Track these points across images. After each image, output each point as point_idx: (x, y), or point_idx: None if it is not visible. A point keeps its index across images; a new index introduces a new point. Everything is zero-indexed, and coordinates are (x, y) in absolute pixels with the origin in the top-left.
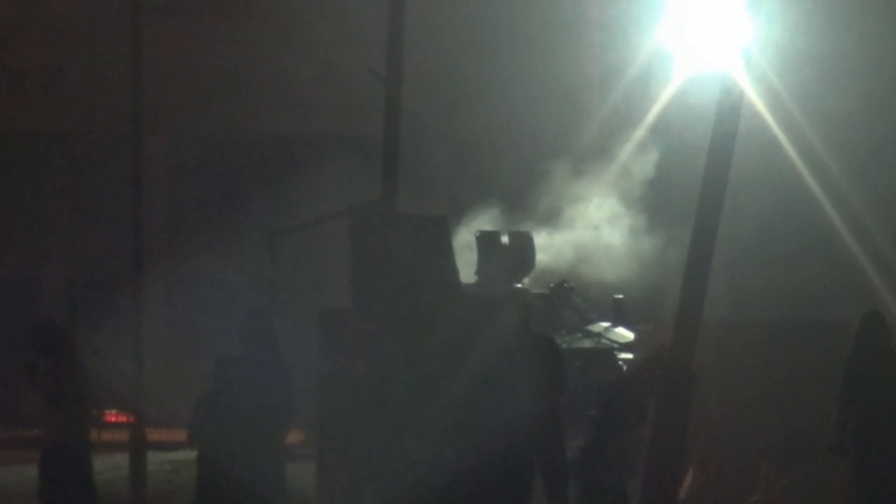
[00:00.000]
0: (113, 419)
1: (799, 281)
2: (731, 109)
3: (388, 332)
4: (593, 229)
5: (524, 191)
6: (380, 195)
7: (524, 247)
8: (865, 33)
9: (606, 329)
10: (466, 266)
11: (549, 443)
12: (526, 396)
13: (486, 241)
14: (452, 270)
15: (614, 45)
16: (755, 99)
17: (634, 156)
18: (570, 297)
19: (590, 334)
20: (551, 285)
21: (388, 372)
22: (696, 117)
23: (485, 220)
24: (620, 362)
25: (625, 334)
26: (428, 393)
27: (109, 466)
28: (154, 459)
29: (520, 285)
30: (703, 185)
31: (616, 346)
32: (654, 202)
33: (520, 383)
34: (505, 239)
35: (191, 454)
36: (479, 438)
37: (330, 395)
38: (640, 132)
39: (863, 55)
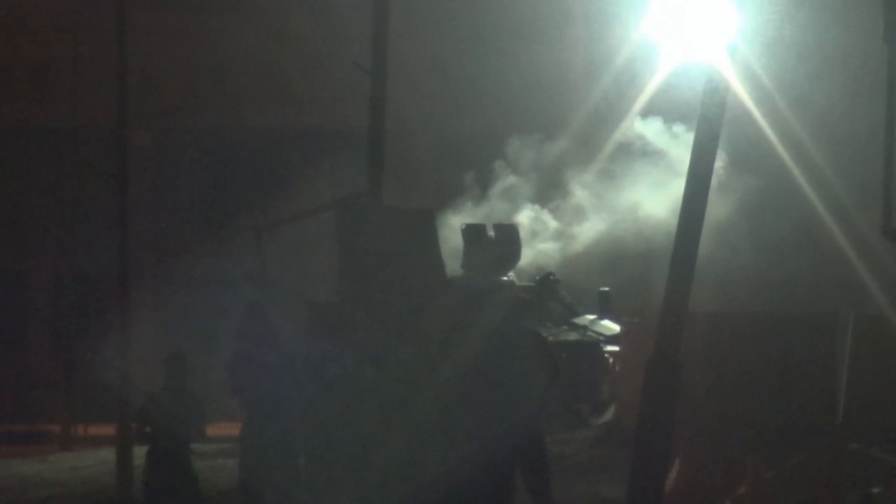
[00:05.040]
0: None
1: (786, 273)
2: (716, 104)
3: (374, 324)
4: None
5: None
6: (366, 188)
7: (510, 239)
8: (852, 24)
9: (592, 321)
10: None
11: (531, 437)
12: (513, 391)
13: (472, 234)
14: (439, 263)
15: (599, 37)
16: (741, 90)
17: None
18: (556, 289)
19: (576, 327)
20: (537, 277)
21: (379, 365)
22: (682, 108)
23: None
24: (607, 354)
25: (611, 327)
26: (414, 385)
27: (96, 461)
28: (141, 453)
29: (506, 278)
30: (688, 177)
31: (602, 338)
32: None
33: (508, 378)
34: (491, 231)
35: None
36: (464, 431)
37: (336, 397)
38: (624, 123)
39: (849, 46)
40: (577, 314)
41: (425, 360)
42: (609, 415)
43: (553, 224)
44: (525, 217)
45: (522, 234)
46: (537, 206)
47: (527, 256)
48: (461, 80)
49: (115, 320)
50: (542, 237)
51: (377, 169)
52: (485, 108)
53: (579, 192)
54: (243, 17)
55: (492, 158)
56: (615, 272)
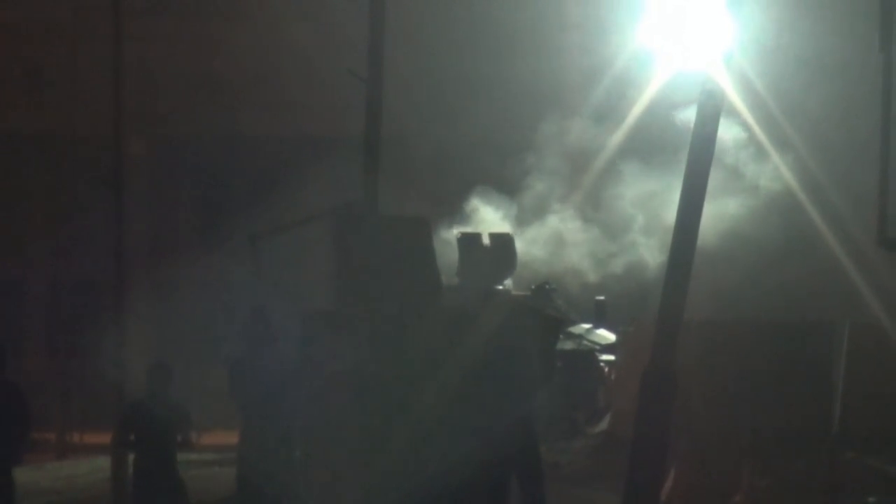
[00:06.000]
0: None
1: (781, 281)
2: (711, 114)
3: (375, 323)
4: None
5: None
6: (362, 195)
7: (505, 248)
8: (848, 32)
9: (588, 330)
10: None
11: (526, 442)
12: (510, 394)
13: (467, 243)
14: (434, 271)
15: (595, 45)
16: (736, 99)
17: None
18: (552, 298)
19: (571, 336)
20: (533, 286)
21: (377, 371)
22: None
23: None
24: (602, 364)
25: (606, 336)
26: (414, 383)
27: (92, 469)
28: None
29: (501, 287)
30: (683, 186)
31: (597, 347)
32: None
33: (505, 381)
34: (486, 240)
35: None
36: (459, 434)
37: (336, 394)
38: (619, 133)
39: (845, 55)
40: (573, 323)
41: (424, 361)
42: (605, 423)
43: (584, 237)
44: (554, 223)
45: (554, 240)
46: (569, 212)
47: (554, 270)
48: (457, 86)
49: (111, 326)
50: (579, 251)
51: (373, 176)
52: (481, 115)
53: (623, 204)
54: (239, 24)
55: (489, 164)
56: (611, 280)
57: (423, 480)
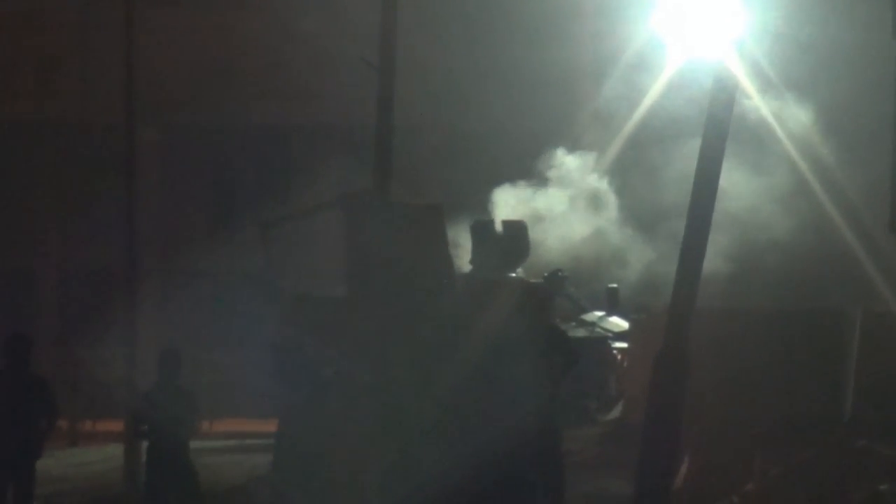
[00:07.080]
0: None
1: (793, 269)
2: (724, 101)
3: (383, 321)
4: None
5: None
6: (374, 185)
7: (518, 235)
8: (859, 20)
9: (601, 318)
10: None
11: (544, 433)
12: (524, 382)
13: (480, 230)
14: (447, 258)
15: (608, 33)
16: (748, 86)
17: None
18: (564, 285)
19: (584, 323)
20: (545, 274)
21: (386, 363)
22: (690, 104)
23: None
24: (615, 351)
25: (619, 323)
26: (416, 385)
27: (104, 457)
28: None
29: (514, 274)
30: (696, 174)
31: (610, 335)
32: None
33: (519, 370)
34: (499, 227)
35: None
36: (474, 427)
37: (336, 399)
38: (632, 122)
39: (856, 42)
40: (586, 310)
41: (431, 355)
42: (617, 411)
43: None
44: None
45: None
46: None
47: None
48: (470, 76)
49: (121, 316)
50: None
51: (385, 165)
52: (493, 105)
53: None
54: (251, 13)
55: (499, 155)
56: (623, 267)
57: (437, 478)
